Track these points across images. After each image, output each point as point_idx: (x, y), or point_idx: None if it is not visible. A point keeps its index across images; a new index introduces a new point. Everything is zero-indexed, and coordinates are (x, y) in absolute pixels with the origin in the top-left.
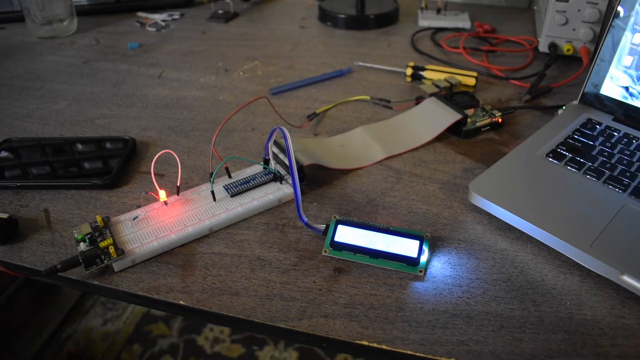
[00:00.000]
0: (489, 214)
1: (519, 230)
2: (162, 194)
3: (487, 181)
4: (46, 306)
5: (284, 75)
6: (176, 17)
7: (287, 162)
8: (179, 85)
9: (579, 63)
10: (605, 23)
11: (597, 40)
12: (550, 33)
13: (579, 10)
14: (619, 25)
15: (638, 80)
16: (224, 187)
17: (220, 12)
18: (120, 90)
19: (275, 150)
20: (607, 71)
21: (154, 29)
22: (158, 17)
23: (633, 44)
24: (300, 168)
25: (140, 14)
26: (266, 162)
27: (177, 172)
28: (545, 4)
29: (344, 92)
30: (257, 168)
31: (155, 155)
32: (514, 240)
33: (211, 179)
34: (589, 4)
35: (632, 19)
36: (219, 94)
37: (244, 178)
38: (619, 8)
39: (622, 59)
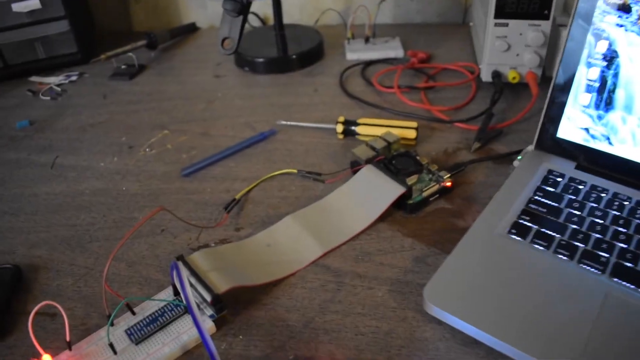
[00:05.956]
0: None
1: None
2: None
3: (442, 284)
4: None
5: (197, 147)
6: (74, 78)
7: (199, 288)
8: (75, 175)
9: (527, 90)
10: (552, 46)
11: (543, 69)
12: (492, 61)
13: (520, 34)
14: (572, 59)
15: (599, 120)
16: (125, 331)
17: (123, 67)
18: (6, 190)
19: (186, 273)
20: (562, 112)
21: (48, 98)
22: (54, 80)
23: (589, 79)
24: (217, 298)
25: (33, 78)
26: (175, 290)
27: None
28: (482, 23)
29: (267, 163)
30: (168, 294)
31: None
32: (484, 357)
33: (107, 326)
34: (530, 27)
35: (585, 52)
36: (122, 183)
37: (151, 314)
38: (569, 38)
39: (579, 97)
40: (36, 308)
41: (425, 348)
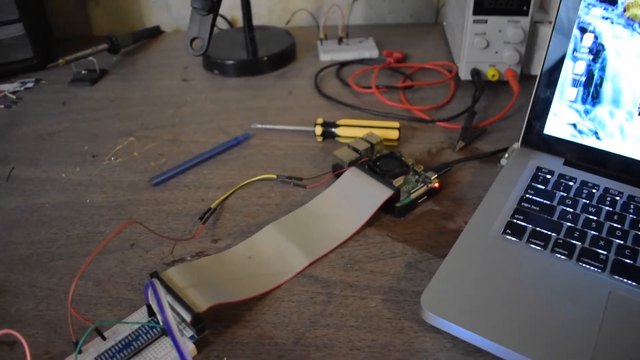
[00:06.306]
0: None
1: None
2: None
3: (439, 291)
4: None
5: (166, 154)
6: (30, 85)
7: (177, 307)
8: (33, 188)
9: (506, 88)
10: (529, 42)
11: (522, 65)
12: (470, 59)
13: (499, 31)
14: (557, 53)
15: (586, 115)
16: (95, 359)
17: (83, 72)
18: None
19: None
20: (549, 108)
21: (2, 106)
22: (8, 87)
23: (575, 73)
24: (197, 318)
25: None
26: (150, 310)
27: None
28: (457, 21)
29: (243, 169)
30: (142, 315)
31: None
32: None
33: (75, 354)
34: (510, 23)
35: (570, 45)
36: (86, 195)
37: (124, 339)
38: (554, 32)
39: (565, 91)
40: None
41: None
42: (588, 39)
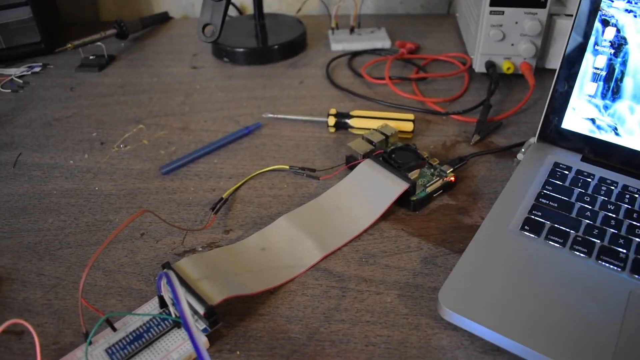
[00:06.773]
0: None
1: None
2: None
3: (457, 287)
4: None
5: (176, 142)
6: (37, 69)
7: (189, 300)
8: (41, 174)
9: (521, 81)
10: (546, 35)
11: (539, 57)
12: (485, 51)
13: (516, 23)
14: (578, 46)
15: (605, 110)
16: (106, 350)
17: (91, 57)
18: None
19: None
20: (567, 102)
21: (8, 90)
22: (14, 71)
23: (596, 68)
24: (211, 310)
25: None
26: (162, 302)
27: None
28: (472, 12)
29: (254, 159)
30: (153, 306)
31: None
32: None
33: (86, 345)
34: (527, 15)
35: (591, 39)
36: (94, 182)
37: (135, 330)
38: (575, 25)
39: (585, 86)
40: (1, 328)
41: (443, 357)
42: (610, 33)
